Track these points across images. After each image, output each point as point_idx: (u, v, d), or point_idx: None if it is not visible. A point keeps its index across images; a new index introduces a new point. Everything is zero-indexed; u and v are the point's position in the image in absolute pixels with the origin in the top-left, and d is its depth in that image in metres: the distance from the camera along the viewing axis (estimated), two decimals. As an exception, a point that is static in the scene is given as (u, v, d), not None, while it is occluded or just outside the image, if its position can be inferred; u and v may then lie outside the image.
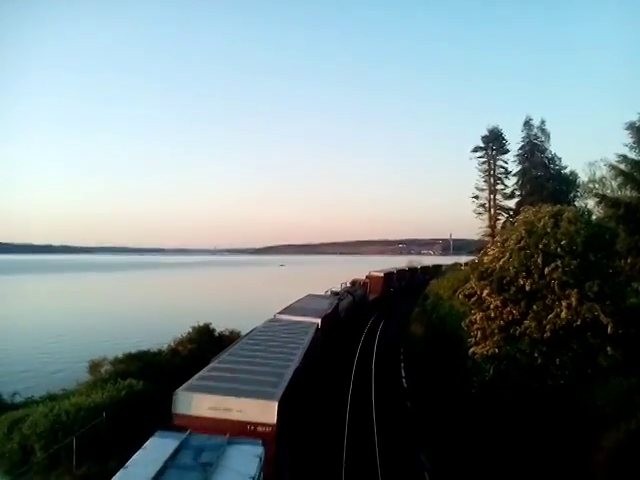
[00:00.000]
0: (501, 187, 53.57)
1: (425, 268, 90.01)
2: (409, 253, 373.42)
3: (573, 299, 15.59)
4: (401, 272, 72.60)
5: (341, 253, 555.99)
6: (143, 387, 15.00)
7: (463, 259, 61.10)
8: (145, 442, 8.36)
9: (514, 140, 51.57)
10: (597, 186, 38.47)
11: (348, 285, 51.63)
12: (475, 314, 17.62)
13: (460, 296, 19.25)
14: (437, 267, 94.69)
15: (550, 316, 15.94)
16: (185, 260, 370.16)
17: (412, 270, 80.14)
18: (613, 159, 26.73)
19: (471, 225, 58.34)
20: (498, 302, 16.71)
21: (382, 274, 61.88)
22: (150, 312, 68.02)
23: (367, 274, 60.71)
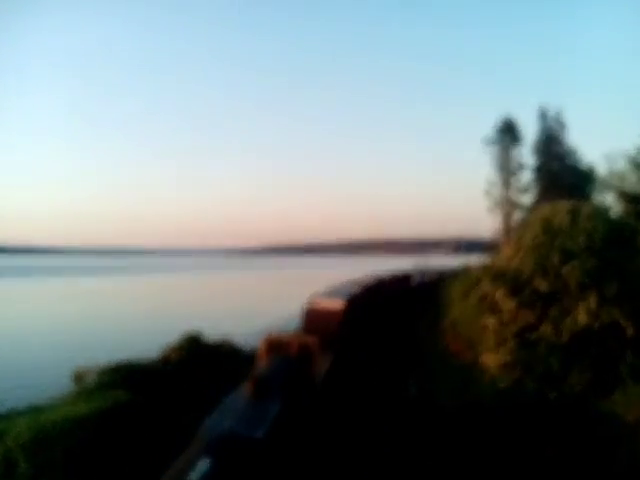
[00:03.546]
0: (515, 181, 51.74)
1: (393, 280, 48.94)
2: (419, 253, 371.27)
3: (592, 302, 14.71)
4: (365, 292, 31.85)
5: (345, 253, 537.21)
6: (130, 398, 14.39)
7: (474, 259, 59.00)
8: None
9: (529, 132, 49.81)
10: (615, 180, 37.06)
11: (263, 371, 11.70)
12: (488, 318, 16.75)
13: (472, 299, 18.44)
14: (407, 277, 60.54)
15: (567, 320, 15.06)
16: (176, 261, 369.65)
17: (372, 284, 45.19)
18: (632, 151, 25.63)
19: (483, 223, 56.58)
20: (512, 305, 15.82)
21: (342, 304, 18.07)
22: (139, 317, 67.29)
23: (310, 303, 18.51)
